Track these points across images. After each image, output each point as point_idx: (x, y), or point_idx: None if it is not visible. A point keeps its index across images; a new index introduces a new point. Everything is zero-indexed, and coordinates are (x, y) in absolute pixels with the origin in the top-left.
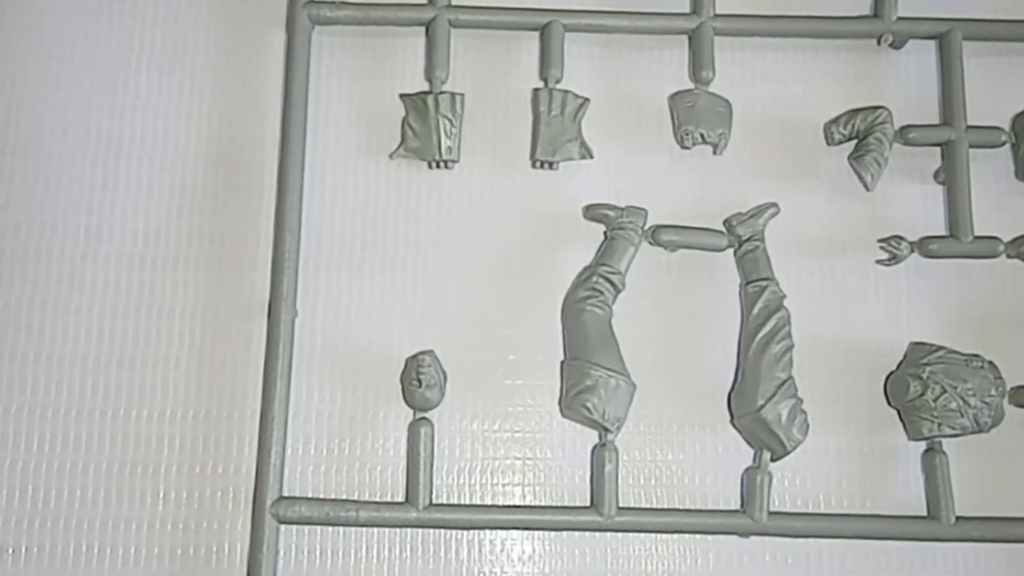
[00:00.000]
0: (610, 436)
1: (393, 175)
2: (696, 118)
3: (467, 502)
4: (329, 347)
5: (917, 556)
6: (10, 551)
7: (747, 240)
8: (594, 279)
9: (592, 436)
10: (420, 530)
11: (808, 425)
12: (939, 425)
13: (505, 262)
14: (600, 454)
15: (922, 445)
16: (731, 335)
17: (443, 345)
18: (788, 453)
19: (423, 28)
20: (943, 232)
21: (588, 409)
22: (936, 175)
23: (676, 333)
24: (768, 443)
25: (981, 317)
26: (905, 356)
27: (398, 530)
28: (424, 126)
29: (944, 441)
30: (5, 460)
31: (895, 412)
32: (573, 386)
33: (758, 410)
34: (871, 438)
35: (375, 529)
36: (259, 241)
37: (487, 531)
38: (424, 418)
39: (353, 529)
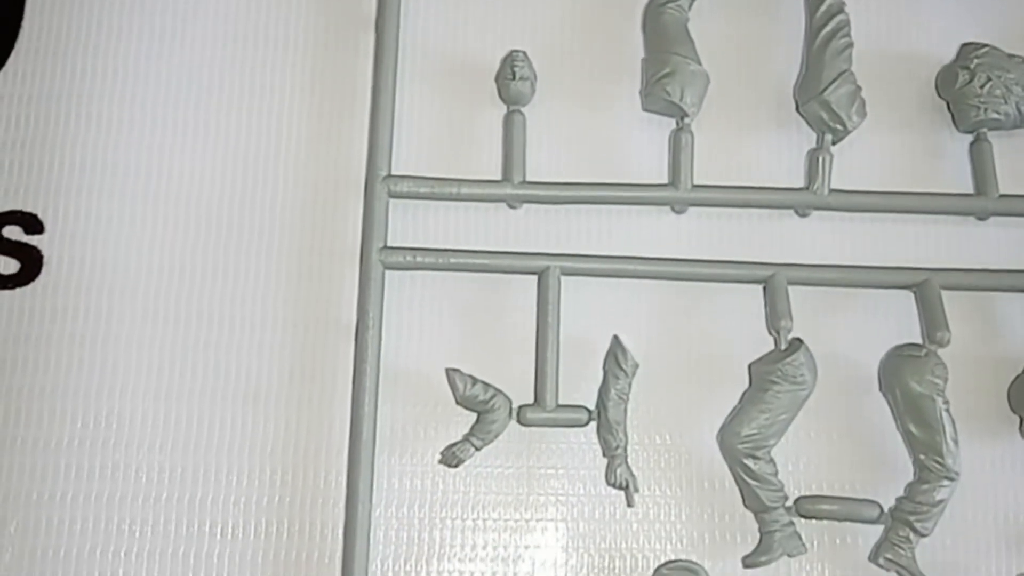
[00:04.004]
0: (687, 120)
1: None
2: None
3: None
4: (430, 58)
5: (964, 232)
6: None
7: None
8: None
9: (669, 130)
10: (513, 212)
11: (866, 111)
12: (985, 110)
13: None
14: (677, 137)
15: (969, 139)
16: (794, 51)
17: (532, 53)
18: (848, 133)
19: None
20: None
21: (667, 92)
22: None
23: (744, 49)
24: (830, 124)
25: None
26: (956, 56)
27: (493, 209)
28: None
29: (989, 135)
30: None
31: (945, 107)
32: (653, 75)
33: (821, 92)
34: (923, 134)
35: (474, 205)
36: None
37: (573, 207)
38: (518, 110)
39: (454, 206)
